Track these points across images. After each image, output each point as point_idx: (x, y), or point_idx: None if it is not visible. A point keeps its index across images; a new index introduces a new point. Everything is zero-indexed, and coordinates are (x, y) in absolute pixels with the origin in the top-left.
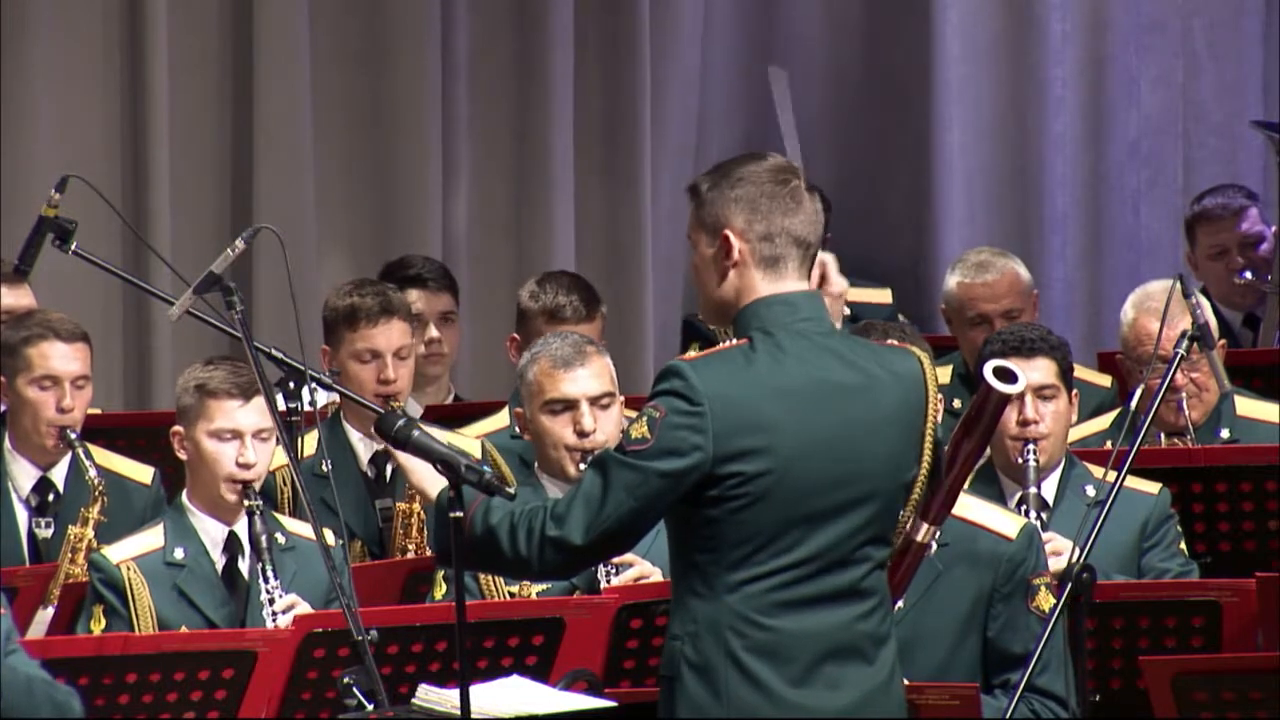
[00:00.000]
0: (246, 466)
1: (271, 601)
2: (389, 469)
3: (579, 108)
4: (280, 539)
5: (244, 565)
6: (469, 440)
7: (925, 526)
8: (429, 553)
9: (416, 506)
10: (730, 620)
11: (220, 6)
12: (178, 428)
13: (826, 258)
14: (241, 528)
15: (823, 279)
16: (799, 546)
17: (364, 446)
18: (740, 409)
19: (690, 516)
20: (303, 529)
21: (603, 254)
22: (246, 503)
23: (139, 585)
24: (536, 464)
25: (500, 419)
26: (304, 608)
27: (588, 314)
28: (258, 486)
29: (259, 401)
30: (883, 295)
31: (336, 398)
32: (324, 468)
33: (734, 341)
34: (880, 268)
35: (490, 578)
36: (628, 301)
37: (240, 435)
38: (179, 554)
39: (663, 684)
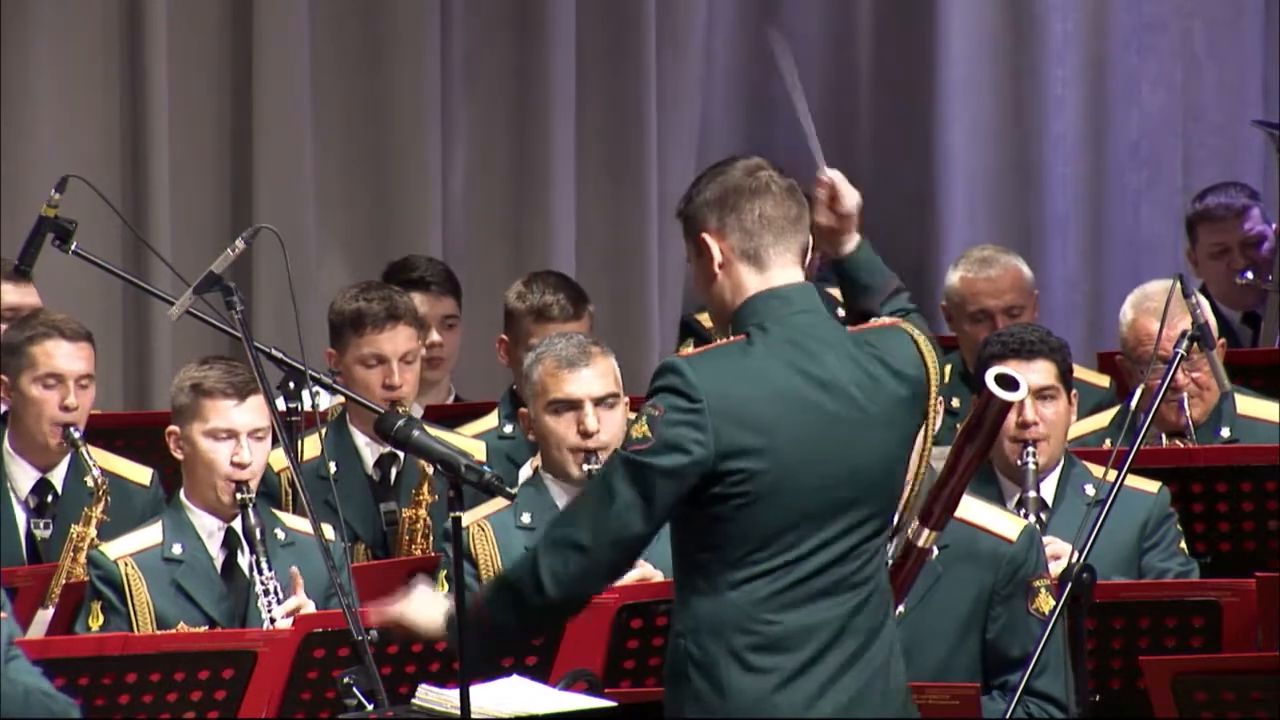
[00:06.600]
0: (242, 466)
1: (267, 593)
2: (394, 472)
3: (581, 109)
4: (280, 535)
5: (244, 561)
6: (469, 441)
7: (926, 531)
8: (433, 553)
9: (422, 513)
10: (732, 616)
11: (220, 6)
12: (173, 427)
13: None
14: (240, 524)
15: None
16: (800, 543)
17: (370, 450)
18: (738, 405)
19: (692, 515)
20: (302, 525)
21: (606, 254)
22: (239, 496)
23: (137, 581)
24: (540, 464)
25: (489, 420)
26: (310, 607)
27: (575, 313)
28: (254, 485)
29: (254, 401)
30: None
31: (340, 400)
32: (327, 470)
33: (732, 338)
34: None
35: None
36: (632, 302)
37: (236, 435)
38: (177, 550)
39: (668, 682)
